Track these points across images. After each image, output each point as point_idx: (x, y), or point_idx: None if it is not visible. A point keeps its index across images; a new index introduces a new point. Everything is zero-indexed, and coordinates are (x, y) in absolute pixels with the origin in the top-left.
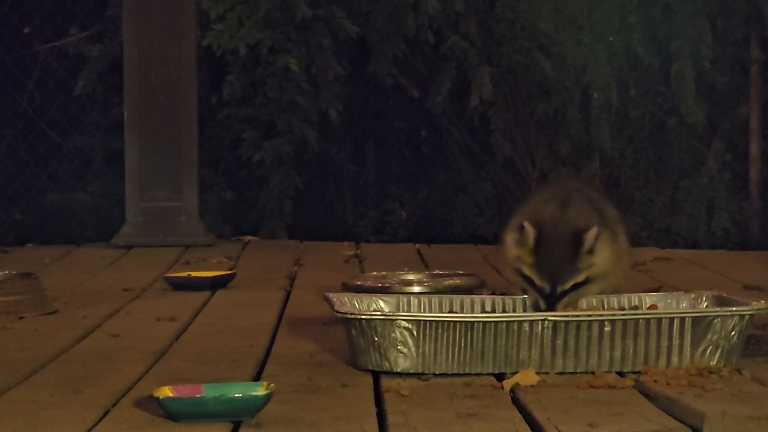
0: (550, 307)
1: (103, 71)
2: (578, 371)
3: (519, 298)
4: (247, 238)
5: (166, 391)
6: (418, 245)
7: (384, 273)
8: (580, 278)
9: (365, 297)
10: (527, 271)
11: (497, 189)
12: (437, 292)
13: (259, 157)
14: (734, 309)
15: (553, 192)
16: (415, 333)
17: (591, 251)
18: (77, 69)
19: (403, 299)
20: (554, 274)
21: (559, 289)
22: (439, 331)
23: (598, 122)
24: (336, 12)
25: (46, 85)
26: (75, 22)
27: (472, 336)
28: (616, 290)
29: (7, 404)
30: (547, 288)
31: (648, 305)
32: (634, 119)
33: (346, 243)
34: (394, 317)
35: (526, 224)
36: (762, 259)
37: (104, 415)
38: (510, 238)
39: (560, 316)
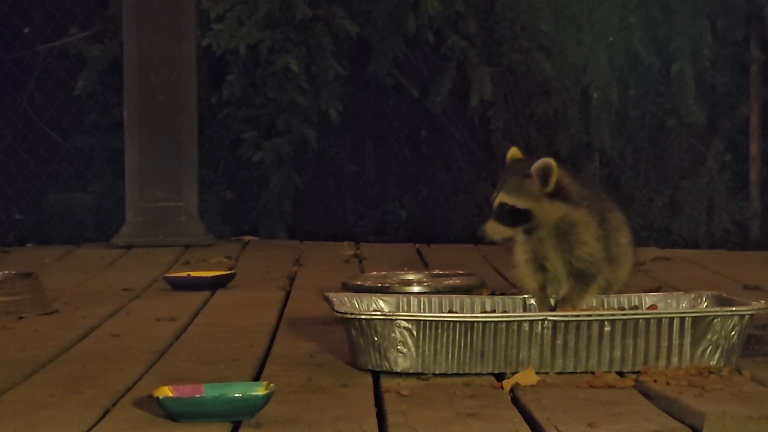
0: (485, 220)
1: (103, 71)
2: (578, 371)
3: (519, 298)
4: (247, 238)
5: (166, 391)
6: (418, 245)
7: (384, 273)
8: (518, 202)
9: (365, 297)
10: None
11: None
12: (437, 292)
13: (259, 157)
14: (734, 309)
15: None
16: (414, 333)
17: (548, 185)
18: (77, 69)
19: (403, 299)
20: (501, 183)
21: (497, 200)
22: (439, 331)
23: (598, 122)
24: (336, 12)
25: (46, 85)
26: (75, 22)
27: (472, 336)
28: (620, 291)
29: (7, 404)
30: (492, 199)
31: (648, 305)
32: (634, 119)
33: (346, 243)
34: (394, 317)
35: (514, 148)
36: (762, 259)
37: (104, 415)
38: None
39: (560, 316)
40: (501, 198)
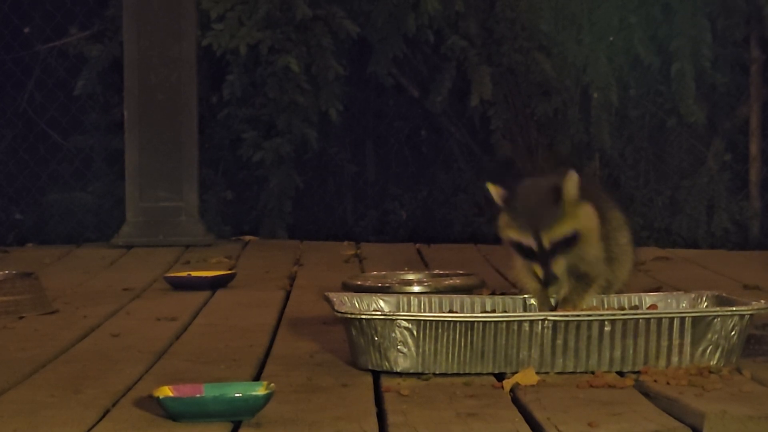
0: (544, 266)
1: (103, 71)
2: (578, 371)
3: (519, 298)
4: (247, 238)
5: (166, 391)
6: (418, 245)
7: (384, 273)
8: (566, 228)
9: (365, 297)
10: (513, 234)
11: None
12: (437, 292)
13: (259, 157)
14: (734, 309)
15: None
16: (415, 333)
17: (575, 201)
18: (77, 69)
19: (403, 299)
20: (536, 222)
21: (546, 240)
22: (439, 331)
23: (598, 122)
24: (336, 12)
25: (46, 85)
26: (75, 22)
27: (472, 336)
28: (620, 291)
29: (7, 404)
30: (534, 243)
31: (648, 305)
32: (634, 119)
33: (346, 243)
34: (394, 317)
35: (488, 184)
36: (762, 259)
37: (104, 415)
38: (501, 219)
39: (560, 315)
40: (549, 237)
